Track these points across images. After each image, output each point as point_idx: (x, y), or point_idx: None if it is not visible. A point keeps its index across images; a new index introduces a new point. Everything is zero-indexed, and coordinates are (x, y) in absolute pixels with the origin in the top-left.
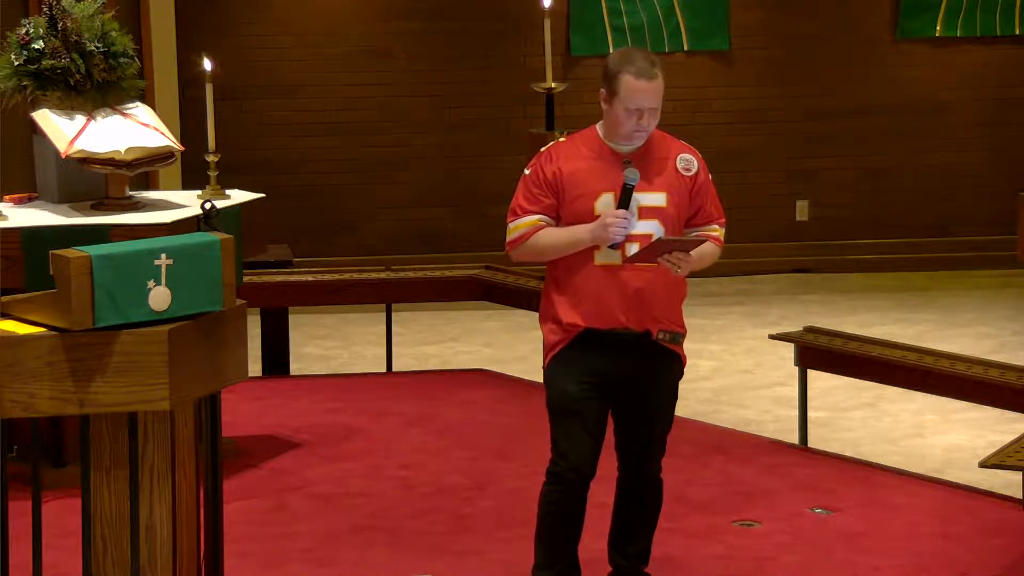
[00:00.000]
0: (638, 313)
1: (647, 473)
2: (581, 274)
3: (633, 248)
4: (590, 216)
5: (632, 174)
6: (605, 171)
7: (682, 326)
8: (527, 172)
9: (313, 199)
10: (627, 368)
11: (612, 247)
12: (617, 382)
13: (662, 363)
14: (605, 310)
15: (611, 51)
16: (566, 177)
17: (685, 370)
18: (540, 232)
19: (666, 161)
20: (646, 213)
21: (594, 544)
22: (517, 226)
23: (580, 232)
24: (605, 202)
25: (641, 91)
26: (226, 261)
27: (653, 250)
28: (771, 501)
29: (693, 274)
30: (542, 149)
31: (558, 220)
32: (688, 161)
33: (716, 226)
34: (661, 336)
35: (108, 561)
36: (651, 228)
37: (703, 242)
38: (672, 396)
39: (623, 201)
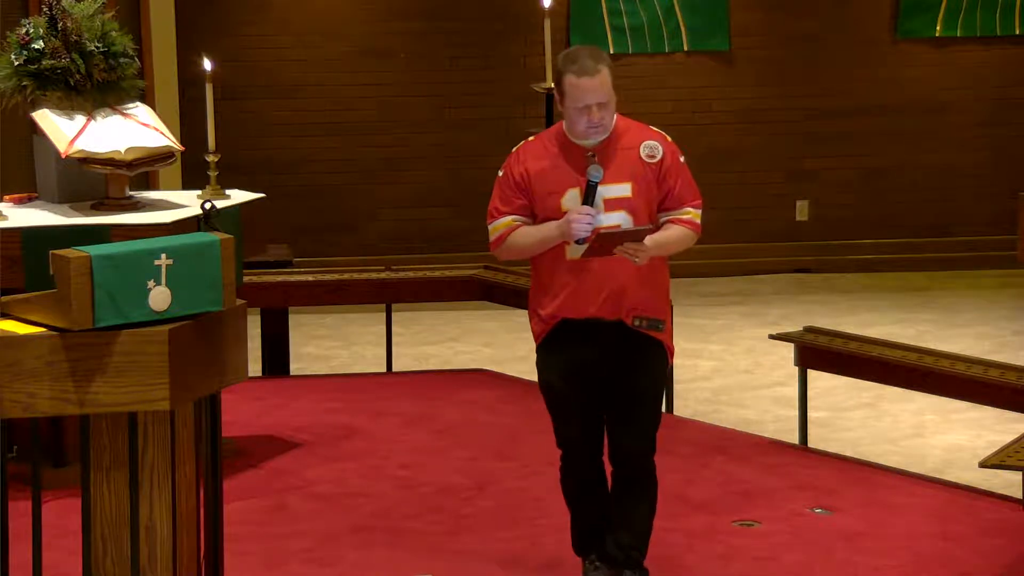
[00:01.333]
0: (610, 303)
1: (632, 461)
2: (556, 268)
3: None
4: (558, 212)
5: (595, 171)
6: (570, 167)
7: (662, 313)
8: (500, 174)
9: (313, 199)
10: (605, 355)
11: (579, 242)
12: (597, 369)
13: (641, 349)
14: (578, 302)
15: (611, 51)
16: (533, 176)
17: (687, 367)
18: (515, 232)
19: (630, 151)
20: (612, 205)
21: None
22: (495, 227)
23: (549, 229)
24: (571, 197)
25: (584, 88)
26: (226, 261)
27: (603, 245)
28: (771, 501)
29: (688, 274)
30: (513, 149)
31: (534, 218)
32: (652, 148)
33: (690, 208)
34: (637, 323)
35: (108, 561)
36: (619, 219)
37: (649, 230)
38: (653, 381)
39: (587, 197)
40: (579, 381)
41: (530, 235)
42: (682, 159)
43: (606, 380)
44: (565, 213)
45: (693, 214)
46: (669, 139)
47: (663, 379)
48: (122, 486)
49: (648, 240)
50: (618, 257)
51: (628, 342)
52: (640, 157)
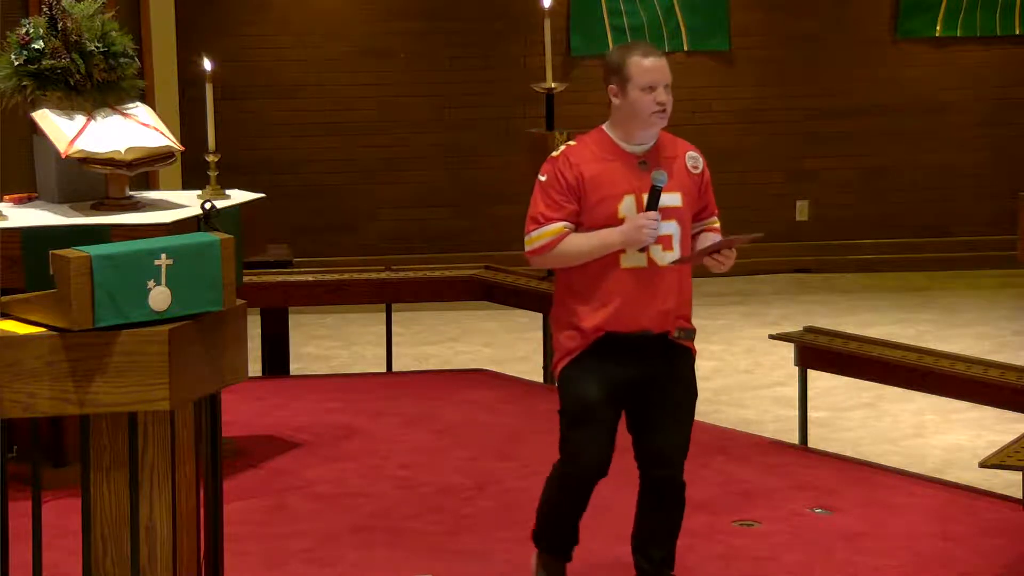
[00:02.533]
0: (661, 314)
1: (675, 472)
2: (607, 278)
3: (672, 254)
4: (614, 219)
5: (660, 175)
6: (624, 173)
7: (692, 321)
8: (543, 178)
9: (313, 199)
10: (645, 370)
11: (640, 250)
12: (633, 385)
13: (678, 360)
14: (630, 314)
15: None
16: (588, 180)
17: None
18: (567, 239)
19: (676, 160)
20: (665, 214)
21: (613, 547)
22: (542, 234)
23: (610, 236)
24: (628, 204)
25: (652, 68)
26: (226, 261)
27: (703, 252)
28: (771, 501)
29: (694, 273)
30: (554, 154)
31: (578, 225)
32: (695, 159)
33: (715, 218)
34: (678, 334)
35: (108, 561)
36: (670, 229)
37: (755, 237)
38: (693, 391)
39: (651, 203)
40: (615, 399)
41: (586, 242)
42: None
43: (642, 397)
44: (622, 220)
45: (718, 222)
46: (699, 151)
47: (697, 389)
48: (122, 486)
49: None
50: (667, 269)
51: (667, 354)
52: (686, 167)
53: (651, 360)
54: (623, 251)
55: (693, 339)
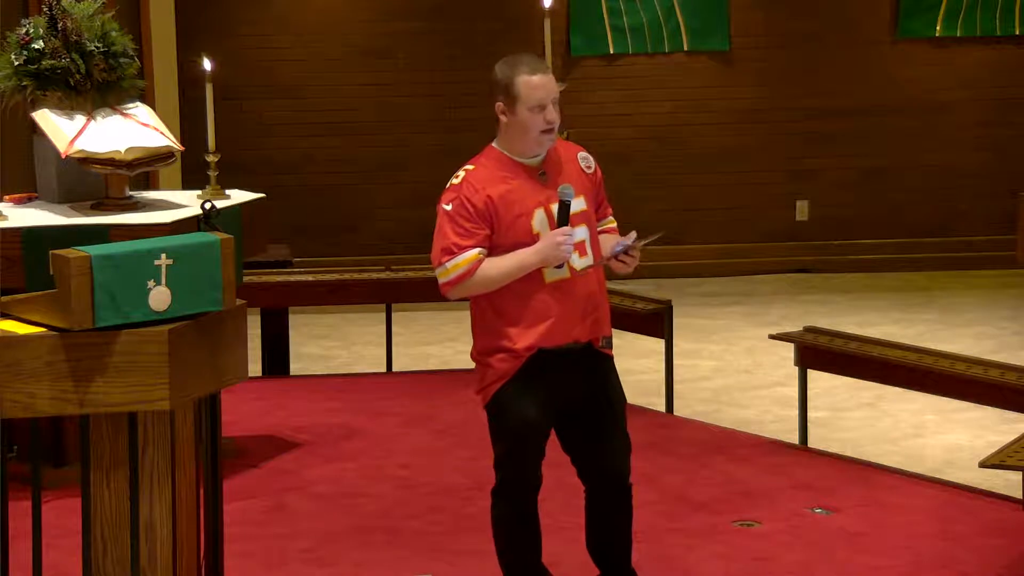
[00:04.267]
0: (589, 323)
1: (618, 480)
2: (534, 296)
3: (587, 259)
4: (529, 235)
5: (567, 190)
6: (529, 188)
7: (610, 328)
8: (448, 207)
9: (313, 199)
10: (576, 383)
11: (559, 266)
12: (567, 401)
13: (604, 368)
14: (561, 327)
15: (611, 51)
16: (497, 202)
17: (687, 367)
18: (483, 265)
19: (571, 164)
20: (574, 220)
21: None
22: (457, 264)
23: (527, 257)
24: (540, 218)
25: (540, 86)
26: (226, 261)
27: (613, 256)
28: (771, 501)
29: (688, 273)
30: (454, 181)
31: (492, 248)
32: (587, 159)
33: (611, 218)
34: (602, 344)
35: (108, 561)
36: (582, 234)
37: (658, 237)
38: (622, 405)
39: (562, 218)
40: (554, 413)
41: (503, 265)
42: None
43: (576, 409)
44: (537, 235)
45: (614, 222)
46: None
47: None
48: (122, 486)
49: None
50: (587, 274)
51: (594, 365)
52: (581, 169)
53: (580, 373)
54: (545, 267)
55: (611, 347)
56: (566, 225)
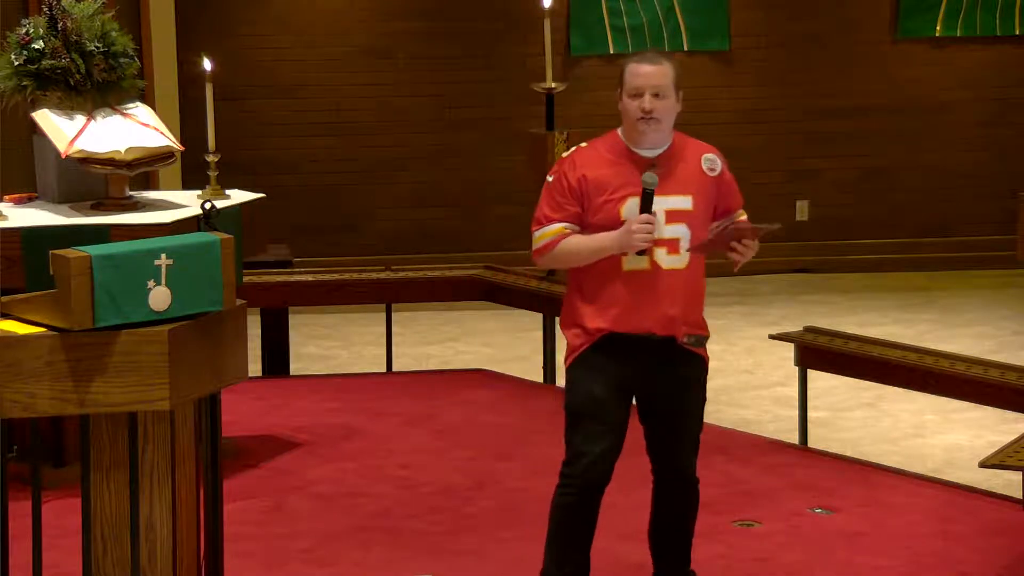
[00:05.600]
0: (666, 318)
1: (683, 474)
2: (609, 281)
3: (675, 259)
4: (617, 222)
5: (650, 178)
6: (629, 176)
7: (705, 328)
8: (550, 179)
9: (313, 199)
10: (652, 372)
11: (640, 253)
12: (641, 386)
13: (687, 366)
14: (633, 316)
15: (611, 51)
16: (591, 183)
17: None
18: (565, 240)
19: (690, 163)
20: (673, 217)
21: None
22: (544, 234)
23: (604, 240)
24: (631, 207)
25: (641, 73)
26: (226, 261)
27: (725, 236)
28: (771, 501)
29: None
30: (563, 155)
31: (584, 227)
32: (712, 161)
33: (740, 211)
34: (687, 340)
35: (108, 561)
36: (678, 232)
37: (773, 229)
38: (700, 398)
39: (644, 206)
40: (624, 398)
41: (584, 245)
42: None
43: (649, 400)
44: (623, 223)
45: (744, 214)
46: (720, 153)
47: (705, 398)
48: (122, 486)
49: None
50: (675, 271)
51: (674, 359)
52: (702, 170)
53: (659, 362)
54: (625, 254)
55: (704, 345)
56: (648, 213)
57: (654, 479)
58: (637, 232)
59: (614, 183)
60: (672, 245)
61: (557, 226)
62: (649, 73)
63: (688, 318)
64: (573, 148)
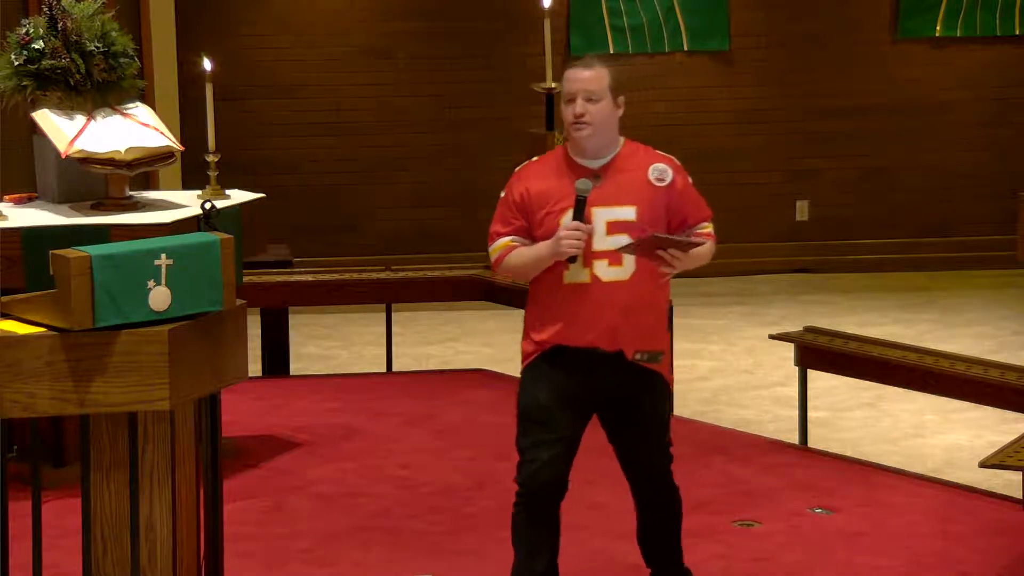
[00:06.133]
0: (609, 332)
1: (654, 487)
2: (552, 293)
3: (620, 269)
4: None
5: (583, 184)
6: (571, 187)
7: (662, 344)
8: (502, 195)
9: (313, 199)
10: (603, 386)
11: (571, 260)
12: (594, 399)
13: (641, 384)
14: (574, 329)
15: (611, 51)
16: (533, 197)
17: (687, 367)
18: (511, 253)
19: (637, 172)
20: (615, 228)
21: (611, 546)
22: (494, 248)
23: (542, 249)
24: (570, 218)
25: (572, 78)
26: (226, 261)
27: (647, 245)
28: (771, 501)
29: (688, 274)
30: (516, 169)
31: (533, 240)
32: (662, 171)
33: (706, 223)
34: (638, 356)
35: (108, 561)
36: (620, 243)
37: (700, 244)
38: (656, 417)
39: (576, 213)
40: (570, 408)
41: (525, 256)
42: (689, 179)
43: (606, 415)
44: None
45: (710, 227)
46: (677, 162)
47: (669, 414)
48: (122, 486)
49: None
50: (617, 283)
51: (627, 376)
52: (648, 180)
53: (610, 376)
54: (567, 267)
55: (659, 361)
56: (580, 221)
57: (632, 493)
58: (565, 238)
59: (556, 195)
60: (614, 257)
61: (504, 240)
62: (580, 78)
63: (637, 331)
64: (524, 162)
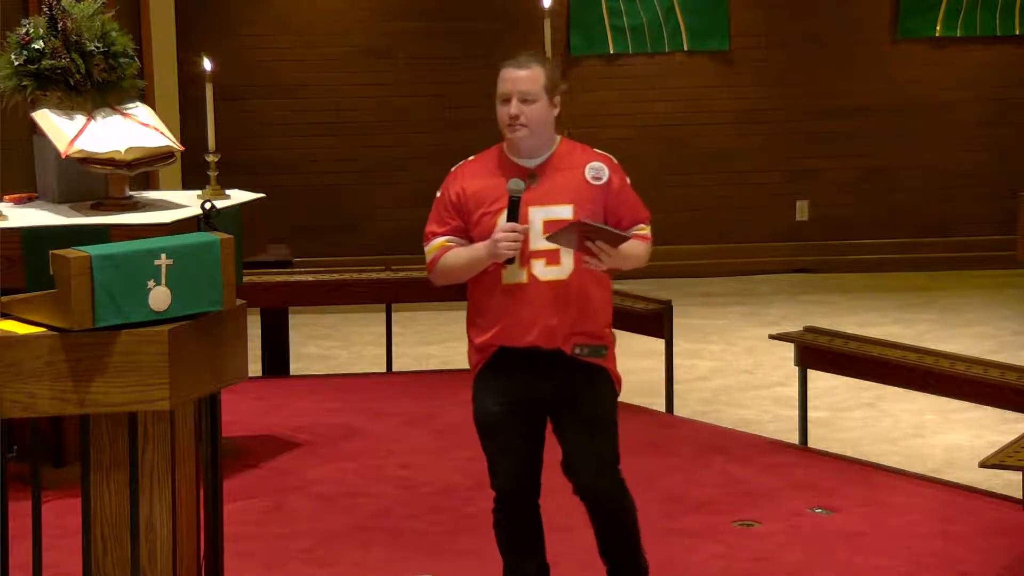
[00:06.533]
0: (548, 331)
1: (592, 491)
2: (491, 296)
3: (559, 269)
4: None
5: (515, 185)
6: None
7: (603, 338)
8: (438, 194)
9: (313, 199)
10: (547, 385)
11: (509, 262)
12: (540, 400)
13: (584, 378)
14: (515, 331)
15: (611, 51)
16: (469, 196)
17: (687, 367)
18: (446, 254)
19: (573, 171)
20: (552, 227)
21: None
22: (429, 250)
23: (478, 250)
24: (506, 219)
25: (507, 78)
26: (226, 261)
27: (574, 232)
28: (771, 501)
29: (687, 273)
30: (452, 169)
31: (470, 240)
32: (598, 170)
33: (643, 224)
34: (578, 351)
35: (108, 561)
36: (552, 242)
37: (628, 238)
38: (603, 410)
39: (511, 214)
40: (520, 411)
41: (460, 257)
42: (627, 179)
43: (552, 413)
44: None
45: (647, 229)
46: (614, 161)
47: (613, 407)
48: (122, 486)
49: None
50: (555, 282)
51: (571, 372)
52: (585, 178)
53: (553, 374)
54: (504, 268)
55: (604, 356)
56: (515, 222)
57: (578, 496)
58: (501, 241)
59: (492, 195)
60: (551, 256)
61: (440, 240)
62: (515, 78)
63: (578, 329)
64: (461, 162)
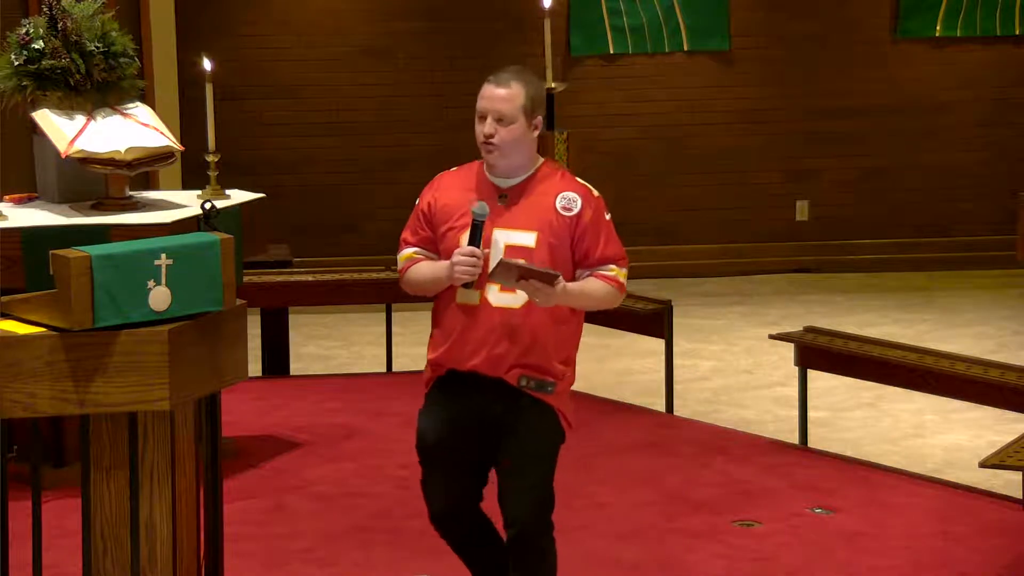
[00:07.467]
0: (491, 358)
1: (514, 532)
2: (445, 313)
3: (514, 297)
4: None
5: (480, 209)
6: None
7: (552, 374)
8: (417, 200)
9: (313, 199)
10: (487, 413)
11: (467, 287)
12: (479, 425)
13: (526, 413)
14: (461, 351)
15: (611, 51)
16: (438, 210)
17: (687, 367)
18: (413, 267)
19: (544, 198)
20: (513, 253)
21: (611, 545)
22: (399, 258)
23: (439, 269)
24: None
25: (485, 96)
26: (226, 261)
27: (505, 272)
28: (771, 501)
29: (688, 273)
30: (435, 176)
31: (439, 253)
32: (570, 200)
33: (613, 266)
34: (523, 383)
35: (108, 561)
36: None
37: (557, 276)
38: (536, 449)
39: (471, 238)
40: (455, 435)
41: (424, 273)
42: (607, 216)
43: (489, 442)
44: None
45: (617, 272)
46: (595, 193)
47: (552, 449)
48: (122, 486)
49: (560, 286)
50: (507, 310)
51: (512, 403)
52: (554, 207)
53: (495, 403)
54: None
55: (548, 392)
56: (476, 245)
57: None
58: (458, 264)
59: (458, 211)
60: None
61: (408, 251)
62: (492, 96)
63: (524, 360)
64: (444, 170)
